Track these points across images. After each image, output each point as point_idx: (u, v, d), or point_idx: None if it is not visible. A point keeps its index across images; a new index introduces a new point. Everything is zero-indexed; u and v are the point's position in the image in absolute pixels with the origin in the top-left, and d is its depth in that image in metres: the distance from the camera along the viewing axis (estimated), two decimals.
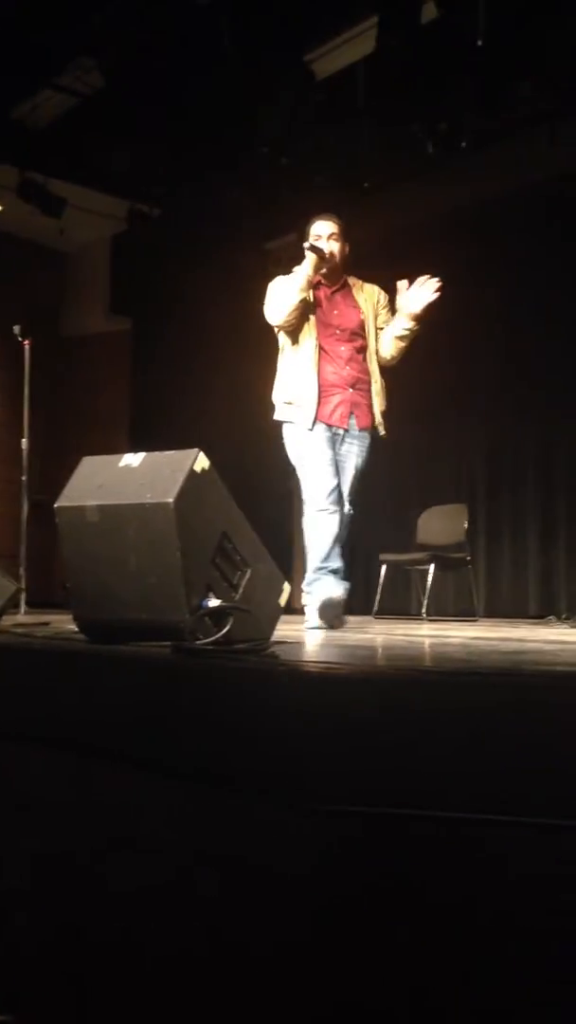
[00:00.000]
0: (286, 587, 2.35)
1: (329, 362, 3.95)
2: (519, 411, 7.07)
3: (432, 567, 6.17)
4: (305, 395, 3.91)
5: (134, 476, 2.11)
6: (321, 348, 3.93)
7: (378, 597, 6.42)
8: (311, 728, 1.46)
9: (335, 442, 3.93)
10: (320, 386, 3.89)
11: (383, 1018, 1.30)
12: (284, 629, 2.71)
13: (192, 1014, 1.49)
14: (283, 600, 2.34)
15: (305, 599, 3.88)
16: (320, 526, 3.86)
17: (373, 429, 4.01)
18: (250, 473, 7.71)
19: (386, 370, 4.08)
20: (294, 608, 4.17)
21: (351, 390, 3.95)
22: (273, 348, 4.08)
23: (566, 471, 6.82)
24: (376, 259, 5.01)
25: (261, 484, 7.69)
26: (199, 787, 1.54)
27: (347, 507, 3.97)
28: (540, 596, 7.02)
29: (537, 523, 7.11)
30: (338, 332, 3.98)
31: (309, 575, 3.86)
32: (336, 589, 3.81)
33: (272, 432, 4.07)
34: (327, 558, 3.82)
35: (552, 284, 6.88)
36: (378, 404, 4.01)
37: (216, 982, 1.47)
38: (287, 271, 3.99)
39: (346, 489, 3.95)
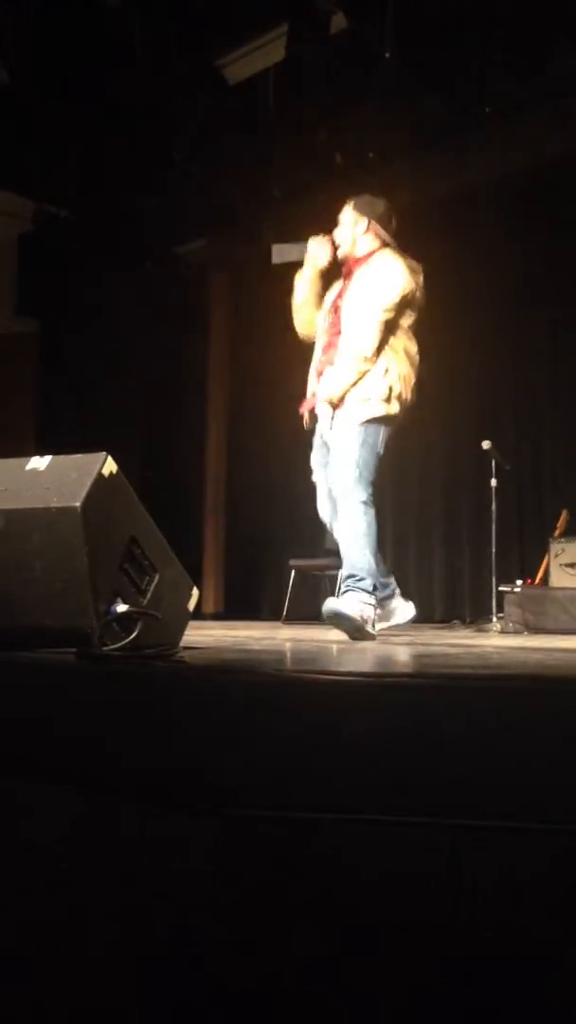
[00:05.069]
0: (194, 592, 2.34)
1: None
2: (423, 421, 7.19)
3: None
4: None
5: (40, 480, 2.07)
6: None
7: (287, 602, 6.45)
8: (220, 733, 1.46)
9: None
10: None
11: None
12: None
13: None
14: (191, 605, 2.33)
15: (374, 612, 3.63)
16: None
17: None
18: (158, 477, 7.67)
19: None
20: (203, 613, 4.13)
21: None
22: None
23: (469, 479, 6.95)
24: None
25: (170, 488, 7.65)
26: (101, 794, 1.52)
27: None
28: (444, 601, 7.15)
29: (442, 531, 7.25)
30: None
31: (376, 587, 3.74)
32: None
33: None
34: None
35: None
36: None
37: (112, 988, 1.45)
38: None
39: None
